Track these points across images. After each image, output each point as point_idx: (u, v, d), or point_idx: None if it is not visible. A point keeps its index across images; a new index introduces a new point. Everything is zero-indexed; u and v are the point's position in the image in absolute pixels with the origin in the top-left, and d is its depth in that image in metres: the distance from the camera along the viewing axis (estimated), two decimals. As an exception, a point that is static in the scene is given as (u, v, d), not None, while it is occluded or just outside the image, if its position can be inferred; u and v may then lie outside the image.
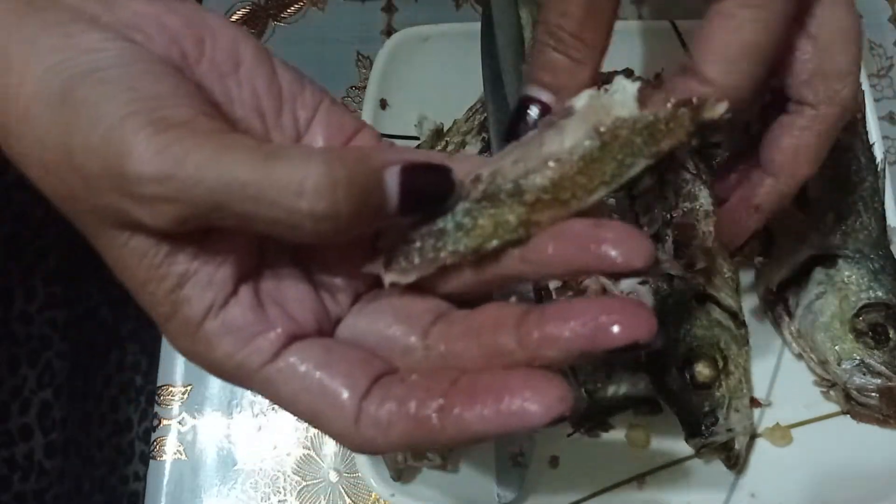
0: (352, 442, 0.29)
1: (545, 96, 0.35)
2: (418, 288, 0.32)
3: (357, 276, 0.33)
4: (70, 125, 0.28)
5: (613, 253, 0.27)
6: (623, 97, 0.29)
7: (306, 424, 0.52)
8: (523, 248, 0.29)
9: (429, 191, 0.29)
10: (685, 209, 0.53)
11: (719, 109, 0.29)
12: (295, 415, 0.30)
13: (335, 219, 0.27)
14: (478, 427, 0.27)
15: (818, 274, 0.50)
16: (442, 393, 0.28)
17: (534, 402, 0.26)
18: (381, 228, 0.32)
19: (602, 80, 0.56)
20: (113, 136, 0.27)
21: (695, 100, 0.29)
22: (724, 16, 0.34)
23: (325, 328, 0.32)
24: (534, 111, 0.35)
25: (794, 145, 0.40)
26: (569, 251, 0.28)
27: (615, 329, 0.26)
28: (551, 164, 0.29)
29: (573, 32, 0.35)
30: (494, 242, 0.29)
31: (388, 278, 0.31)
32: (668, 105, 0.29)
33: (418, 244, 0.30)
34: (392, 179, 0.28)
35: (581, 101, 0.30)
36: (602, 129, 0.29)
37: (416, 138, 0.58)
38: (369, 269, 0.32)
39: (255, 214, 0.27)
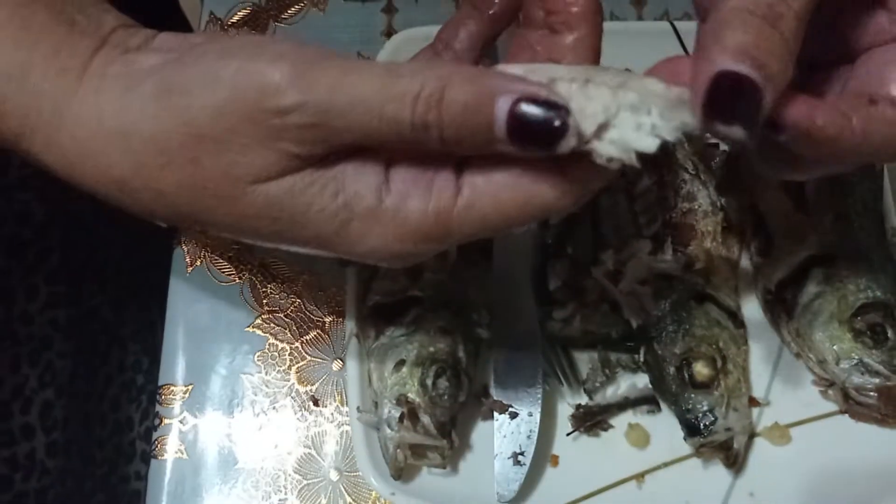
0: (568, 194, 0.31)
1: (758, 77, 0.29)
2: None
3: None
4: (181, 105, 0.30)
5: None
6: None
7: (307, 423, 0.52)
8: None
9: (538, 131, 0.29)
10: (684, 209, 0.53)
11: None
12: (505, 221, 0.32)
13: (439, 130, 0.29)
14: None
15: (817, 274, 0.50)
16: None
17: None
18: None
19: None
20: (240, 83, 0.30)
21: None
22: None
23: None
24: (742, 94, 0.29)
25: None
26: None
27: None
28: None
29: (800, 19, 0.30)
30: None
31: None
32: None
33: None
34: (503, 109, 0.29)
35: None
36: None
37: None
38: None
39: (378, 129, 0.30)
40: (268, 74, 0.29)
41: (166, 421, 0.53)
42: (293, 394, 0.54)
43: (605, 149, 0.29)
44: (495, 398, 0.50)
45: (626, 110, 0.29)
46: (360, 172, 0.32)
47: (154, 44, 0.34)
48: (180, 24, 0.81)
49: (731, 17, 0.30)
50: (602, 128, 0.29)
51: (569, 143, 0.29)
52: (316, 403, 0.54)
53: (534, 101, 0.29)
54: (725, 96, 0.29)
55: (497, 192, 0.31)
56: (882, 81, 0.33)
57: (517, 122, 0.29)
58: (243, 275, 0.57)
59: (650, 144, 0.29)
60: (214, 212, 0.32)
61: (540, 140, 0.29)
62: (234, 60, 0.30)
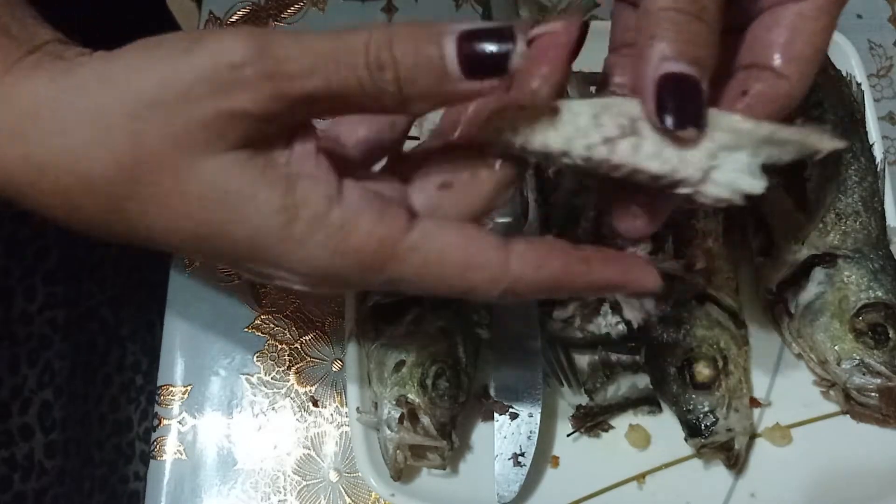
0: (502, 281, 0.32)
1: (696, 72, 0.31)
2: None
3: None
4: (123, 77, 0.30)
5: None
6: None
7: (306, 424, 0.52)
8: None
9: (488, 55, 0.29)
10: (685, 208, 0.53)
11: None
12: (440, 280, 0.32)
13: (394, 70, 0.29)
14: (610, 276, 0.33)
15: (818, 274, 0.51)
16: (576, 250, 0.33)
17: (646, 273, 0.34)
18: None
19: (590, 80, 0.57)
20: (193, 48, 0.29)
21: None
22: None
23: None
24: (685, 91, 0.31)
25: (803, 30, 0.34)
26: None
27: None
28: None
29: (719, 5, 0.32)
30: None
31: None
32: None
33: None
34: (450, 45, 0.29)
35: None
36: None
37: (416, 138, 0.58)
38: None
39: (335, 73, 0.29)
40: (223, 39, 0.29)
41: (165, 421, 0.53)
42: (292, 394, 0.54)
43: (712, 191, 0.31)
44: (495, 399, 0.50)
45: (725, 150, 0.31)
46: (313, 180, 0.31)
47: (93, 56, 0.33)
48: (170, 28, 0.81)
49: (660, 17, 0.31)
50: (708, 171, 0.31)
51: (516, 61, 0.29)
52: (315, 404, 0.53)
53: (476, 32, 0.29)
54: (671, 96, 0.31)
55: (444, 248, 0.31)
56: (764, 49, 0.35)
57: (467, 48, 0.29)
58: (242, 275, 0.57)
59: (758, 186, 0.31)
60: (152, 193, 0.30)
61: (490, 64, 0.29)
62: (184, 39, 0.30)
